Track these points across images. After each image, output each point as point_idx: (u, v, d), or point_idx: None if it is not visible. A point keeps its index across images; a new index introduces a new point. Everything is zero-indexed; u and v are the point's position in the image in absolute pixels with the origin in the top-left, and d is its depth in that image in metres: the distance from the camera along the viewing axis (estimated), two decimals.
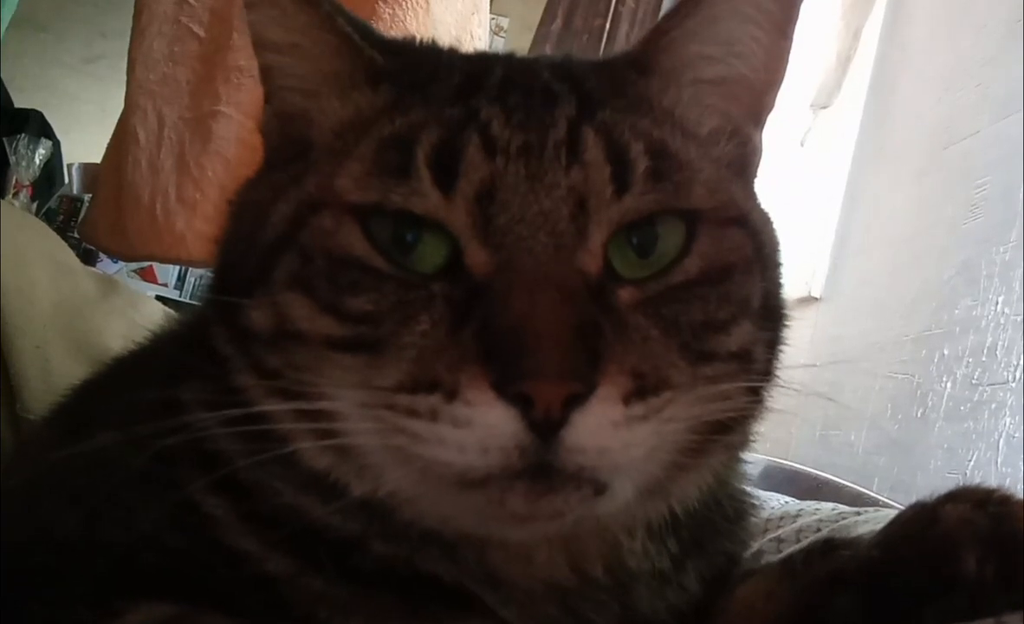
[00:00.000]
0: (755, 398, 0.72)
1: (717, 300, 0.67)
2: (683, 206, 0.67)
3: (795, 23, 0.74)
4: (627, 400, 0.58)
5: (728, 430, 0.69)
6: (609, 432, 0.58)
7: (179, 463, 0.66)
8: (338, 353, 0.62)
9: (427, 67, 0.73)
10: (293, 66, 0.74)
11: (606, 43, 3.24)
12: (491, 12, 2.85)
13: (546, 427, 0.56)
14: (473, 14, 2.24)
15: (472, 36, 2.25)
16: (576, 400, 0.56)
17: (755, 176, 0.79)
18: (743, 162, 0.76)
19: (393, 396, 0.59)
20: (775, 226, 0.76)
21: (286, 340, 0.65)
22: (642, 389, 0.59)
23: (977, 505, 0.62)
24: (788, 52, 0.75)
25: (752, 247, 0.71)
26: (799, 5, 0.74)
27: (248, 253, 0.69)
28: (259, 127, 0.78)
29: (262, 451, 0.63)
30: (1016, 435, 1.68)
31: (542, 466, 0.57)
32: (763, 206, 0.76)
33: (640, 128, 0.68)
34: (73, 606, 0.61)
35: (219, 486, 0.65)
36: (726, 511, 0.77)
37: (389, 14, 2.04)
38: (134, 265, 4.94)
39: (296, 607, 0.63)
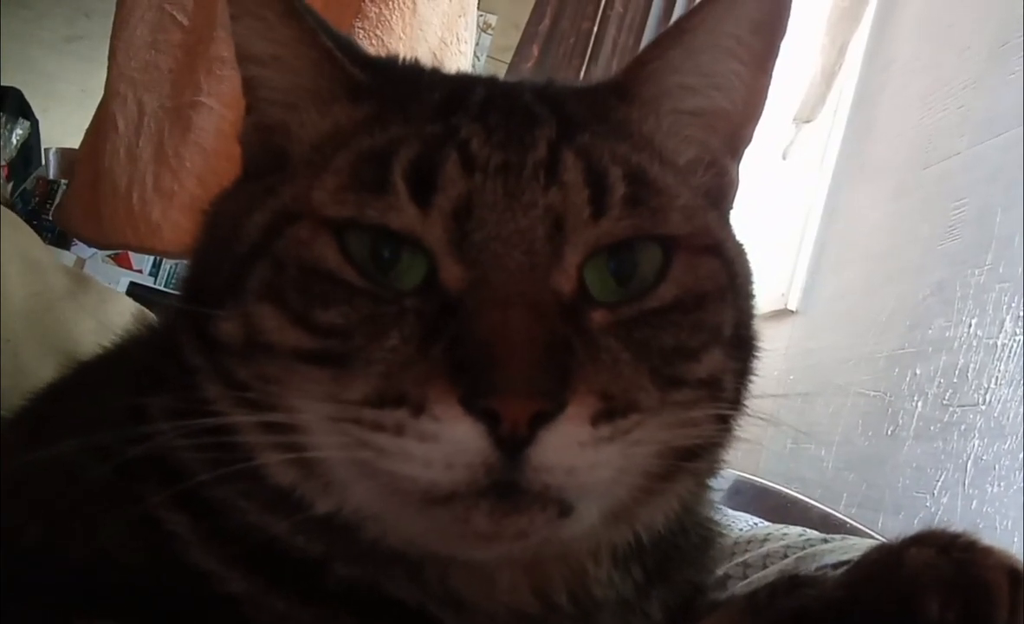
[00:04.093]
0: (723, 426, 0.72)
1: (689, 327, 0.67)
2: (659, 232, 0.67)
3: (776, 59, 0.75)
4: (595, 421, 0.58)
5: (696, 457, 0.69)
6: (575, 451, 0.57)
7: (142, 476, 0.65)
8: (306, 366, 0.62)
9: (408, 85, 0.73)
10: (274, 79, 0.74)
11: (593, 46, 3.24)
12: (478, 9, 2.83)
13: (512, 444, 0.56)
14: (460, 17, 2.22)
15: (458, 38, 2.23)
16: (543, 418, 0.56)
17: (731, 207, 0.79)
18: (719, 194, 0.77)
19: (359, 410, 0.59)
20: (748, 257, 0.77)
21: (255, 351, 0.64)
22: (610, 411, 0.59)
23: (942, 550, 0.62)
24: (768, 87, 0.76)
25: (726, 276, 0.71)
26: (780, 41, 0.74)
27: (221, 264, 0.69)
28: (239, 138, 0.78)
29: (228, 465, 0.62)
30: (984, 457, 1.69)
31: (508, 485, 0.57)
32: (737, 237, 0.77)
33: (619, 153, 0.68)
34: (30, 620, 0.60)
35: (182, 502, 0.64)
36: (692, 539, 0.77)
37: (375, 13, 2.03)
38: (109, 250, 4.89)
39: None
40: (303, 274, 0.64)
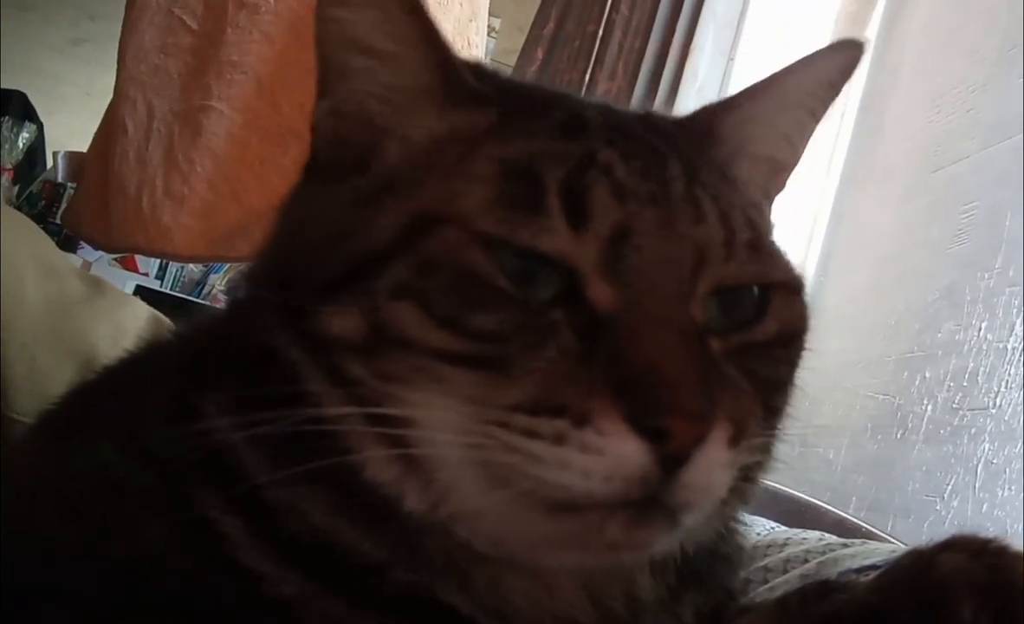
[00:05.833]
0: (771, 453, 0.75)
1: (785, 361, 0.72)
2: (772, 279, 0.71)
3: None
4: (730, 444, 0.61)
5: (749, 480, 0.71)
6: (716, 472, 0.61)
7: (192, 476, 0.65)
8: (449, 366, 0.62)
9: (516, 95, 0.76)
10: (383, 73, 0.72)
11: (598, 50, 3.24)
12: None
13: (674, 462, 0.58)
14: (471, 21, 2.22)
15: (469, 43, 2.23)
16: (700, 439, 0.59)
17: None
18: None
19: (510, 415, 0.60)
20: None
21: (383, 346, 0.64)
22: (736, 435, 0.62)
23: (974, 555, 0.63)
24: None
25: (807, 316, 0.75)
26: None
27: (322, 260, 0.68)
28: (311, 122, 0.76)
29: (299, 464, 0.62)
30: (995, 461, 1.70)
31: (648, 499, 0.59)
32: None
33: (733, 197, 0.72)
34: None
35: (236, 504, 0.64)
36: (730, 547, 0.80)
37: None
38: (118, 254, 4.88)
39: None
40: (454, 278, 0.64)
